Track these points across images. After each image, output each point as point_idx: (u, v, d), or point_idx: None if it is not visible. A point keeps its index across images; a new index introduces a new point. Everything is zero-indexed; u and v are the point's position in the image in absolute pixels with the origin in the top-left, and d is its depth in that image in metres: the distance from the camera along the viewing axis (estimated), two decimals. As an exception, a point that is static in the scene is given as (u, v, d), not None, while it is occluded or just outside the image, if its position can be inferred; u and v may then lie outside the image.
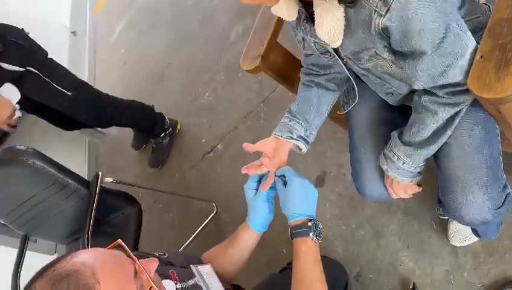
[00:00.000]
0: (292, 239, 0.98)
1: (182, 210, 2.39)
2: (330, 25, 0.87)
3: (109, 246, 0.79)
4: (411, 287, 1.49)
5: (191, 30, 3.16)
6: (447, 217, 1.47)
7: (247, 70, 1.43)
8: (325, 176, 1.91)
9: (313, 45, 1.03)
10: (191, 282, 0.96)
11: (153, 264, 0.78)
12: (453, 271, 1.45)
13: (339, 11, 0.85)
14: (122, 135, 2.95)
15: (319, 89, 1.17)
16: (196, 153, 2.52)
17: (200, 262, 1.11)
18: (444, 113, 0.95)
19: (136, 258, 0.76)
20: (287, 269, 1.47)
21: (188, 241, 2.17)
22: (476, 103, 0.92)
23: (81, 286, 0.67)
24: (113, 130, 2.78)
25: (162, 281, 0.86)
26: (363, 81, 1.15)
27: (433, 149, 1.00)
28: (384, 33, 0.85)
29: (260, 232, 1.10)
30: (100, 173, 1.71)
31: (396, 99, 1.13)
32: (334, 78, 1.17)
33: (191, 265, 1.03)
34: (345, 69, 1.05)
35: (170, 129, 2.64)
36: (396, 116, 1.23)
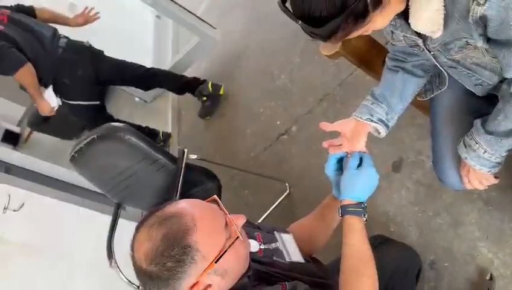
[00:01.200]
0: (342, 216, 1.03)
1: (256, 189, 2.49)
2: (429, 17, 0.88)
3: (206, 200, 0.94)
4: (488, 277, 1.46)
5: (269, 11, 3.20)
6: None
7: (326, 56, 1.45)
8: (402, 162, 1.90)
9: (402, 38, 1.04)
10: (273, 245, 1.08)
11: (240, 219, 0.91)
12: (536, 265, 1.40)
13: (438, 2, 0.86)
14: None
15: (405, 73, 1.17)
16: (271, 134, 2.59)
17: (285, 231, 1.20)
18: None
19: (227, 212, 0.90)
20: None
21: (261, 219, 2.26)
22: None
23: (183, 225, 0.83)
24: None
25: (249, 240, 0.99)
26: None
27: None
28: (481, 21, 0.84)
29: None
30: (186, 150, 1.84)
31: (484, 90, 1.10)
32: (422, 64, 1.17)
33: (275, 231, 1.14)
34: (434, 61, 1.05)
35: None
36: (482, 105, 1.20)
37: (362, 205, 1.01)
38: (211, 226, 0.86)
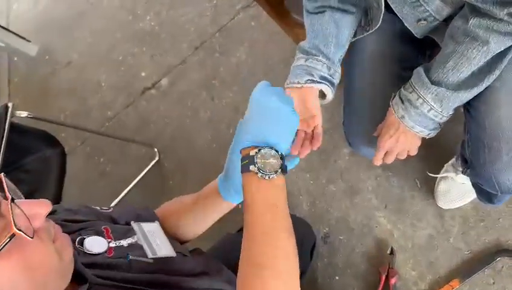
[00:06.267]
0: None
1: (116, 155, 2.03)
2: None
3: None
4: (389, 251, 1.32)
5: None
6: (437, 176, 1.29)
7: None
8: (292, 123, 1.65)
9: None
10: (128, 240, 0.75)
11: (36, 206, 0.51)
12: (438, 236, 1.29)
13: None
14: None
15: (334, 12, 0.88)
16: (134, 88, 2.12)
17: (153, 217, 0.87)
18: (497, 44, 0.71)
19: (11, 196, 0.49)
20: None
21: (123, 193, 1.83)
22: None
23: None
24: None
25: (90, 238, 0.69)
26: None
27: (472, 93, 0.78)
28: None
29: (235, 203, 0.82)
30: (11, 105, 1.30)
31: (425, 29, 0.87)
32: (350, 2, 0.88)
33: (131, 222, 0.81)
34: None
35: None
36: (411, 53, 0.98)
37: (252, 152, 0.62)
38: None
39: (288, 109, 0.64)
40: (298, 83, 0.85)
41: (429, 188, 1.33)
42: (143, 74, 2.13)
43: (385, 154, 0.89)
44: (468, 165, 0.86)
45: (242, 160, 0.64)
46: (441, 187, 1.28)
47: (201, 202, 0.85)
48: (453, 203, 1.27)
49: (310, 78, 0.85)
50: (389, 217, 1.38)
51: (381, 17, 0.86)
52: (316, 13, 0.90)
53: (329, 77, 0.87)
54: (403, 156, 0.89)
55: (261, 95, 0.66)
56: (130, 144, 1.97)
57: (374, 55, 0.97)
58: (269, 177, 0.61)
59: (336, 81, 0.89)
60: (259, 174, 0.61)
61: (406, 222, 1.35)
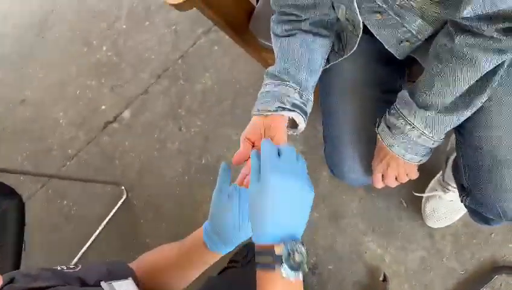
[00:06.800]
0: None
1: (80, 197, 1.88)
2: None
3: None
4: (381, 278, 1.25)
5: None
6: (423, 195, 1.24)
7: (173, 5, 1.01)
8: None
9: None
10: None
11: None
12: (430, 257, 1.24)
13: None
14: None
15: (306, 34, 0.80)
16: (95, 123, 1.99)
17: (127, 272, 0.75)
18: (487, 63, 0.66)
19: None
20: (227, 270, 1.19)
21: (93, 237, 1.69)
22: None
23: None
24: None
25: None
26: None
27: (465, 115, 0.72)
28: None
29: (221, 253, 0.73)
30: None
31: (406, 50, 0.81)
32: (321, 20, 0.81)
33: (101, 282, 0.70)
34: (355, 4, 0.68)
35: None
36: (388, 76, 0.93)
37: (279, 250, 0.54)
38: None
39: (311, 193, 0.59)
40: (268, 111, 0.74)
41: (416, 207, 1.28)
42: (103, 108, 2.00)
43: (383, 177, 0.84)
44: (467, 193, 0.81)
45: (260, 253, 0.56)
46: (429, 206, 1.23)
47: (184, 253, 0.75)
48: (443, 222, 1.22)
49: (281, 105, 0.74)
50: (378, 241, 1.31)
51: (358, 41, 0.79)
52: (286, 36, 0.83)
53: (301, 105, 0.77)
54: (403, 180, 0.83)
55: (282, 179, 0.57)
56: (95, 184, 1.83)
57: (352, 81, 0.90)
58: (295, 276, 0.54)
59: (309, 110, 0.80)
60: (285, 273, 0.54)
61: (396, 244, 1.29)
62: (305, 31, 0.81)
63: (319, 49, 0.81)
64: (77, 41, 2.25)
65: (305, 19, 0.81)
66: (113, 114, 1.96)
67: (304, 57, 0.79)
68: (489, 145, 0.71)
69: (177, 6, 1.00)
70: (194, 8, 1.02)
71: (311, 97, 0.80)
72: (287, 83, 0.77)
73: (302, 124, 0.77)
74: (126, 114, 1.93)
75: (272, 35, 0.85)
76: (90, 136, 1.98)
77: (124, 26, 2.12)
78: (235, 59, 1.73)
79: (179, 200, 1.67)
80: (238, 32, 1.18)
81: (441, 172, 1.21)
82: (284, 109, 0.74)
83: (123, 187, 1.77)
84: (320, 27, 0.81)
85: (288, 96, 0.75)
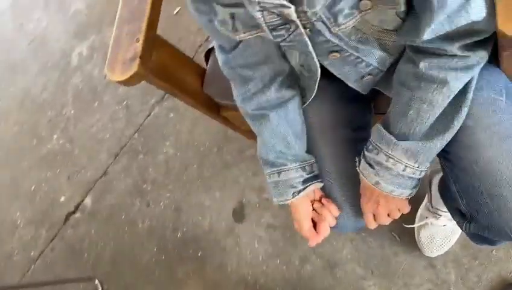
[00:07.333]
0: None
1: (51, 301, 1.71)
2: None
3: None
4: (393, 323, 1.16)
5: (18, 59, 2.45)
6: (413, 226, 1.18)
7: (120, 82, 0.96)
8: (244, 208, 1.49)
9: (258, 14, 0.59)
10: None
11: None
12: (437, 288, 1.16)
13: None
14: None
15: (278, 109, 0.79)
16: (55, 217, 1.85)
17: None
18: (457, 82, 0.64)
19: None
20: None
21: None
22: (487, 66, 0.65)
23: None
24: None
25: None
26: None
27: (446, 139, 0.68)
28: None
29: None
30: None
31: (370, 84, 0.78)
32: (281, 82, 0.77)
33: None
34: (309, 44, 0.65)
35: None
36: (355, 109, 0.90)
37: None
38: None
39: None
40: (286, 200, 0.81)
41: (409, 238, 1.22)
42: (62, 199, 1.88)
43: (375, 217, 0.79)
44: (469, 219, 0.75)
45: None
46: (423, 235, 1.17)
47: None
48: (440, 249, 1.16)
49: (294, 190, 0.80)
50: (380, 283, 1.23)
51: (317, 85, 0.76)
52: (258, 117, 0.80)
53: (310, 175, 0.81)
54: (396, 216, 0.78)
55: None
56: (66, 284, 1.67)
57: (320, 125, 0.86)
58: None
59: (316, 171, 0.83)
60: None
61: (398, 283, 1.21)
62: (274, 106, 0.78)
63: (294, 114, 0.80)
64: (25, 135, 2.14)
65: (266, 87, 0.77)
66: (73, 204, 1.84)
67: (287, 132, 0.79)
68: (482, 166, 0.67)
69: (125, 82, 0.94)
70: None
71: (312, 159, 0.83)
72: (286, 166, 0.80)
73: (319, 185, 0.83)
74: (88, 201, 1.81)
75: (244, 116, 0.84)
76: (52, 232, 1.83)
77: (72, 112, 2.05)
78: (194, 122, 1.68)
79: (159, 283, 1.53)
80: (193, 97, 1.13)
81: (426, 197, 1.17)
82: (299, 191, 0.80)
83: (97, 281, 1.63)
84: (284, 88, 0.78)
85: (296, 178, 0.80)
